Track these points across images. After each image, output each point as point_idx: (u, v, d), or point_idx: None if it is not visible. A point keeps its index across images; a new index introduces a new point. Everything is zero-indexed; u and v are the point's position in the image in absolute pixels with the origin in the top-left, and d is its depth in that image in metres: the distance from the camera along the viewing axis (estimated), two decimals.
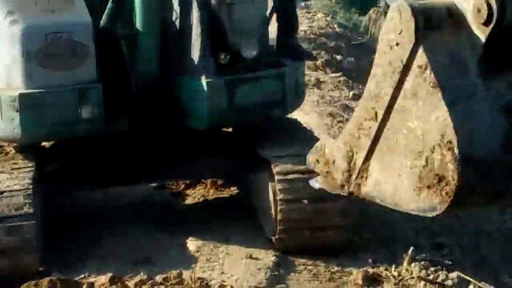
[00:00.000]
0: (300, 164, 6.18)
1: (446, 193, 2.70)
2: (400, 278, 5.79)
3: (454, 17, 2.96)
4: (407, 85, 3.02)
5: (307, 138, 6.84)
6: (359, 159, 3.20)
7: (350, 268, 6.09)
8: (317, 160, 3.44)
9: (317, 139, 6.79)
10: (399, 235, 6.75)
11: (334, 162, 3.35)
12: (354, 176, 3.23)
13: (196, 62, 6.51)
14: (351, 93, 13.53)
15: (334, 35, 20.01)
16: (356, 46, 20.07)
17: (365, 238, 6.68)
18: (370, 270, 5.97)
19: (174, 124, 6.75)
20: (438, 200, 2.73)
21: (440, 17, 2.95)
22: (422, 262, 5.89)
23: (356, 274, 5.91)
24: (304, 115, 11.14)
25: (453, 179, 2.70)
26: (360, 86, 14.61)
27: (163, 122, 6.77)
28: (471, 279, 5.63)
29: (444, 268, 5.79)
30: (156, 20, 6.63)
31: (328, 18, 23.32)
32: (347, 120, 11.34)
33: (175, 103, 6.68)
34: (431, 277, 5.63)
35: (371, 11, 24.66)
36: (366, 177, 3.18)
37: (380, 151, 3.12)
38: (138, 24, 6.56)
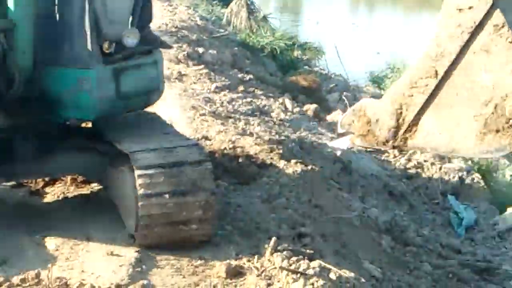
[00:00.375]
0: (160, 158, 6.16)
1: None
2: (262, 269, 5.80)
3: None
4: (478, 42, 3.45)
5: (167, 132, 6.86)
6: (409, 115, 3.65)
7: (213, 261, 6.06)
8: (353, 121, 3.97)
9: (177, 132, 6.81)
10: (262, 226, 6.78)
11: (377, 120, 3.84)
12: (402, 131, 3.77)
13: (79, 52, 6.41)
14: (213, 86, 13.53)
15: (196, 27, 19.98)
16: (218, 38, 20.11)
17: (228, 230, 6.67)
18: (233, 263, 5.96)
19: (48, 118, 6.61)
20: (508, 141, 3.34)
21: None
22: (284, 252, 5.92)
23: (219, 267, 5.90)
24: (166, 108, 11.04)
25: None
26: (223, 78, 14.66)
27: (38, 117, 6.61)
28: (332, 267, 5.71)
29: (305, 257, 5.84)
30: (31, 11, 6.40)
31: (190, 11, 23.29)
32: (209, 112, 11.34)
33: (52, 96, 6.52)
34: (293, 266, 5.67)
35: (232, 4, 24.80)
36: (415, 131, 3.73)
37: (435, 105, 3.61)
38: (13, 16, 6.30)
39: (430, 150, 4.24)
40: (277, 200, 7.64)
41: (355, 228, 8.13)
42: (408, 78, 3.81)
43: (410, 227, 9.73)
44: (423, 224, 10.94)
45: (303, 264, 5.68)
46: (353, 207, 9.39)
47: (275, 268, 5.74)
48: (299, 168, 8.90)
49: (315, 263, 5.68)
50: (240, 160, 8.73)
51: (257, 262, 5.93)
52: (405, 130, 3.82)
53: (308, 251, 6.09)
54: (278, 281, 5.57)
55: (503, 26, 3.47)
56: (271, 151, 9.40)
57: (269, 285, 5.54)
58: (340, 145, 3.83)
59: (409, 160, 14.06)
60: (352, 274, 5.62)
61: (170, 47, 10.78)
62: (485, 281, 9.25)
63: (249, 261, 6.02)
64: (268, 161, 8.94)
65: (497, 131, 3.51)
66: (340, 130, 4.16)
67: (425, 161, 13.88)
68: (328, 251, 6.50)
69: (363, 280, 5.69)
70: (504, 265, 10.28)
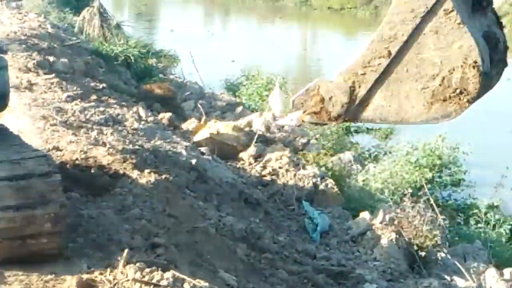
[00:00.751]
0: (6, 170, 5.90)
1: (467, 101, 4.18)
2: (115, 282, 5.64)
3: None
4: (428, 25, 4.26)
5: (14, 143, 6.58)
6: (362, 91, 4.37)
7: (64, 275, 5.83)
8: (305, 101, 4.51)
9: (25, 143, 6.54)
10: (115, 238, 6.60)
11: (331, 98, 4.44)
12: (354, 106, 4.41)
13: None
14: (64, 95, 13.18)
15: (47, 35, 19.45)
16: (70, 46, 19.68)
17: (79, 243, 6.45)
18: (85, 276, 5.76)
19: None
20: (454, 108, 4.22)
21: None
22: (138, 264, 5.78)
23: (70, 281, 5.68)
24: (15, 119, 10.64)
25: (475, 89, 4.14)
26: (75, 87, 14.30)
27: None
28: (186, 277, 5.62)
29: (159, 268, 5.72)
30: None
31: (41, 19, 22.67)
32: (61, 122, 11.01)
33: None
34: (146, 278, 5.54)
35: (84, 11, 24.33)
36: (367, 105, 4.42)
37: (387, 82, 4.35)
38: None
39: (380, 121, 4.67)
40: (130, 210, 7.48)
41: (211, 237, 8.07)
42: (361, 59, 4.41)
43: (266, 234, 9.79)
44: (279, 230, 11.05)
45: (157, 275, 5.55)
46: (209, 216, 9.35)
47: (128, 280, 5.58)
48: (153, 177, 8.77)
49: (169, 274, 5.57)
50: (92, 170, 8.51)
51: (109, 275, 5.75)
52: (357, 105, 4.47)
53: (162, 261, 5.98)
54: None
55: (452, 11, 4.28)
56: (125, 161, 9.23)
57: None
58: (288, 122, 4.15)
59: (264, 167, 14.21)
60: (207, 284, 5.55)
61: (5, 52, 10.39)
62: (339, 285, 9.44)
63: (101, 274, 5.83)
64: (122, 171, 8.76)
65: (444, 100, 4.39)
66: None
67: (280, 167, 14.07)
68: (182, 261, 6.40)
69: None
70: (357, 269, 10.54)
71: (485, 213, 16.80)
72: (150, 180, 8.66)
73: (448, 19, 4.29)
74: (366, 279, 10.04)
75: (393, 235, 12.05)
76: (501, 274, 12.55)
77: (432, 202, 15.05)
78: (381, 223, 12.58)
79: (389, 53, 4.41)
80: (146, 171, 9.09)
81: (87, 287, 5.63)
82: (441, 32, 4.31)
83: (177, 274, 5.64)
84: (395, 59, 4.42)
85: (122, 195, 7.99)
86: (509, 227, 16.99)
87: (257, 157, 15.02)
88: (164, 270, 5.73)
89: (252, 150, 15.17)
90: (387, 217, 12.59)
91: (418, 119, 4.53)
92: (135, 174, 8.75)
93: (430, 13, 4.28)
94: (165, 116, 16.00)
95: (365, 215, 13.11)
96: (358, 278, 9.95)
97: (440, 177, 20.82)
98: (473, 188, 21.14)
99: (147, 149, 10.87)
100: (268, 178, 13.82)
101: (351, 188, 15.96)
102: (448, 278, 11.77)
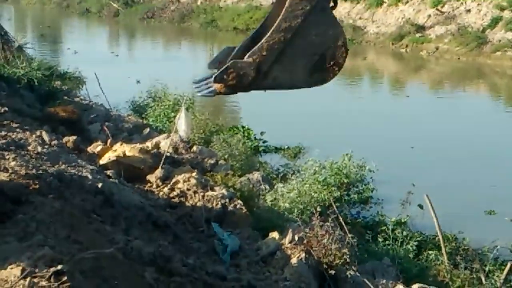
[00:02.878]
0: None
1: (338, 70, 6.46)
2: None
3: None
4: (311, 18, 6.28)
5: None
6: (264, 67, 6.28)
7: None
8: (232, 80, 6.24)
9: None
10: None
11: (243, 73, 6.24)
12: (259, 78, 6.28)
13: None
14: None
15: None
16: None
17: None
18: None
19: None
20: (328, 76, 6.46)
21: None
22: None
23: None
24: None
25: (343, 63, 6.41)
26: None
27: None
28: None
29: None
30: None
31: None
32: None
33: None
34: None
35: None
36: (267, 77, 6.32)
37: (282, 59, 6.28)
38: None
39: (277, 88, 6.57)
40: (33, 238, 7.21)
41: (118, 262, 7.84)
42: (265, 44, 6.28)
43: (175, 257, 9.62)
44: (188, 253, 10.90)
45: None
46: (116, 240, 9.13)
47: None
48: (57, 203, 8.51)
49: None
50: None
51: None
52: (261, 77, 6.31)
53: None
54: None
55: (326, 8, 6.37)
56: (28, 187, 8.94)
57: None
58: (206, 93, 6.76)
59: (172, 189, 14.06)
60: None
61: None
62: None
63: None
64: (24, 197, 8.46)
65: (322, 70, 6.50)
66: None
67: (188, 189, 13.95)
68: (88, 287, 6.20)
69: None
70: None
71: (393, 230, 17.10)
72: (54, 206, 8.39)
73: (324, 14, 6.40)
74: None
75: (303, 255, 12.07)
76: None
77: (341, 220, 15.19)
78: (290, 242, 12.60)
79: (285, 38, 6.32)
80: (50, 196, 8.82)
81: None
82: (320, 22, 6.40)
83: None
84: (289, 43, 6.34)
85: (25, 222, 7.71)
86: (416, 243, 17.34)
87: (165, 179, 14.86)
88: None
89: (159, 172, 14.99)
90: (296, 237, 12.62)
91: (304, 84, 6.64)
92: (38, 199, 8.47)
93: (312, 9, 6.32)
94: (70, 140, 15.66)
95: (274, 235, 13.10)
96: None
97: (348, 195, 21.14)
98: (381, 205, 21.56)
99: (51, 173, 10.57)
100: (176, 200, 13.67)
101: (260, 208, 15.96)
102: None
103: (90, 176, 11.95)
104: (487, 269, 15.96)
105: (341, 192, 20.32)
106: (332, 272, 12.05)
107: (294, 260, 11.98)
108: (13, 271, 6.10)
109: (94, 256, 7.11)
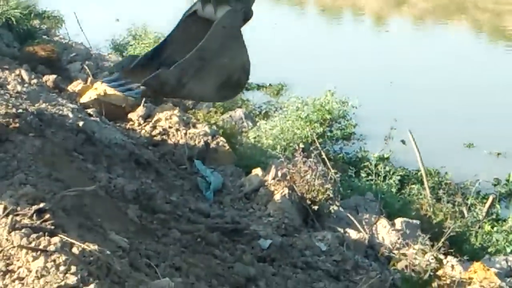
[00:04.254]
0: None
1: (240, 89, 7.86)
2: (0, 249, 5.35)
3: None
4: (226, 45, 7.20)
5: None
6: (184, 80, 7.04)
7: None
8: (156, 86, 7.00)
9: None
10: None
11: (166, 81, 7.00)
12: (178, 88, 7.05)
13: None
14: None
15: None
16: None
17: None
18: None
19: None
20: (231, 95, 7.86)
21: None
22: (23, 230, 5.50)
23: None
24: None
25: (244, 85, 7.74)
26: None
27: None
28: (74, 241, 5.40)
29: (46, 234, 5.46)
30: None
31: None
32: None
33: None
34: (32, 244, 5.27)
35: None
36: (184, 88, 7.08)
37: (197, 76, 7.10)
38: None
39: (189, 98, 8.42)
40: (14, 176, 7.14)
41: (100, 199, 7.83)
42: (184, 63, 7.11)
43: (158, 194, 9.60)
44: (171, 190, 10.89)
45: (44, 241, 5.30)
46: (98, 178, 9.09)
47: (14, 247, 5.30)
48: (38, 141, 8.42)
49: (56, 239, 5.32)
50: None
51: None
52: (180, 87, 7.11)
53: (49, 227, 5.71)
54: (18, 260, 5.15)
55: (239, 38, 7.45)
56: (8, 126, 8.83)
57: (8, 265, 5.10)
58: (133, 94, 7.59)
59: (154, 127, 13.98)
60: (96, 247, 5.33)
61: None
62: (234, 242, 9.38)
63: None
64: (5, 136, 8.37)
65: (227, 89, 7.52)
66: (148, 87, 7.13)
67: (170, 127, 13.87)
68: (71, 226, 6.15)
69: (108, 252, 5.43)
70: (252, 226, 10.52)
71: (376, 165, 17.19)
72: (35, 144, 8.31)
73: (237, 41, 7.39)
74: (260, 235, 10.03)
75: (286, 191, 12.09)
76: (393, 224, 12.85)
77: (323, 156, 15.24)
78: (273, 179, 12.60)
79: (205, 58, 7.21)
80: (31, 135, 8.73)
81: None
82: (233, 48, 7.40)
83: (65, 238, 5.40)
84: (207, 62, 7.23)
85: (6, 161, 7.64)
86: (399, 178, 17.45)
87: (147, 117, 14.75)
88: (51, 235, 5.48)
89: (141, 110, 14.87)
90: (279, 173, 12.62)
91: (212, 99, 8.69)
92: (19, 138, 8.38)
93: (230, 37, 7.35)
94: (49, 78, 15.48)
95: (257, 171, 13.10)
96: (253, 234, 9.93)
97: (331, 131, 21.17)
98: (363, 141, 21.63)
99: (32, 112, 10.43)
100: (158, 138, 13.60)
101: (243, 146, 15.94)
102: (341, 230, 11.94)
103: (71, 115, 11.85)
104: (469, 202, 16.13)
105: (324, 128, 20.33)
106: (315, 207, 12.10)
107: (277, 196, 12.01)
108: None
109: (76, 194, 7.08)
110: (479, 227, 15.09)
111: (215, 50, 7.32)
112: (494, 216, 16.85)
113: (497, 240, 14.81)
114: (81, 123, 11.41)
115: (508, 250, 14.45)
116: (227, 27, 7.40)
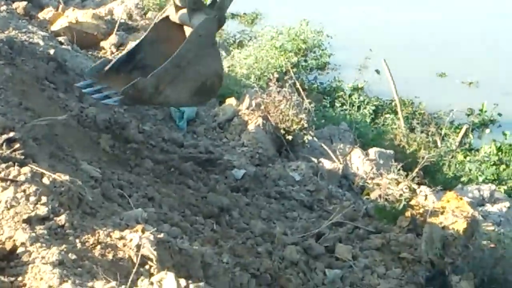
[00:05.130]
0: None
1: (213, 95, 8.96)
2: None
3: None
4: (201, 53, 7.74)
5: None
6: (161, 88, 7.56)
7: None
8: (134, 94, 7.40)
9: None
10: None
11: (144, 89, 7.45)
12: (155, 95, 7.53)
13: None
14: None
15: None
16: None
17: None
18: None
19: None
20: (206, 99, 8.81)
21: None
22: None
23: None
24: None
25: (217, 91, 8.55)
26: None
27: None
28: (45, 171, 5.30)
29: (16, 164, 5.35)
30: None
31: None
32: None
33: None
34: (2, 174, 5.17)
35: None
36: (160, 95, 7.59)
37: (173, 82, 7.60)
38: None
39: (165, 104, 8.61)
40: None
41: (72, 129, 7.72)
42: (162, 71, 7.62)
43: (131, 124, 9.49)
44: (144, 120, 10.78)
45: (14, 171, 5.19)
46: (70, 107, 8.94)
47: None
48: (8, 69, 8.22)
49: (26, 169, 5.22)
50: None
51: None
52: (157, 94, 7.61)
53: (19, 156, 5.60)
54: None
55: (214, 46, 8.31)
56: None
57: None
58: (112, 102, 7.77)
59: None
60: (67, 177, 5.24)
61: None
62: (207, 172, 9.33)
63: None
64: None
65: (201, 94, 8.10)
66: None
67: None
68: (42, 156, 6.04)
69: (79, 182, 5.35)
70: (226, 155, 10.48)
71: (350, 95, 17.15)
72: (4, 72, 8.11)
73: (212, 50, 7.97)
74: (234, 165, 10.01)
75: (260, 121, 12.03)
76: (367, 154, 12.87)
77: (298, 86, 15.13)
78: (247, 108, 12.53)
79: (181, 65, 7.67)
80: (0, 62, 8.52)
81: None
82: (208, 56, 7.84)
83: (36, 168, 5.30)
84: (183, 69, 7.66)
85: None
86: (373, 108, 17.44)
87: (119, 45, 14.53)
88: (21, 165, 5.37)
89: (113, 38, 14.63)
90: (253, 103, 12.54)
91: (187, 104, 8.78)
92: None
93: (206, 46, 7.81)
94: (20, 5, 15.11)
95: (231, 101, 13.00)
96: (226, 164, 9.89)
97: (305, 61, 21.02)
98: (338, 71, 21.50)
99: (1, 40, 10.17)
100: None
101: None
102: (315, 160, 11.95)
103: (41, 43, 11.60)
104: (442, 132, 16.19)
105: (298, 58, 20.18)
106: (290, 137, 12.07)
107: (251, 126, 11.95)
108: None
109: (47, 123, 6.95)
110: (452, 157, 15.17)
111: (191, 58, 7.72)
112: (467, 146, 16.95)
113: (470, 170, 14.93)
114: (52, 51, 11.18)
115: (481, 179, 14.59)
116: (203, 35, 7.74)
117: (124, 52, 8.75)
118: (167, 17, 8.24)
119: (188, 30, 8.06)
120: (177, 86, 7.72)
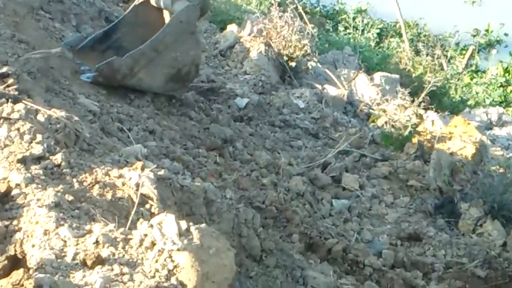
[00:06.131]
0: None
1: (188, 83, 8.18)
2: None
3: None
4: (180, 39, 7.64)
5: None
6: (135, 70, 7.38)
7: None
8: (108, 73, 7.26)
9: None
10: None
11: (119, 69, 7.29)
12: (129, 77, 7.37)
13: None
14: None
15: None
16: None
17: None
18: None
19: None
20: (179, 87, 8.04)
21: None
22: None
23: None
24: None
25: (192, 79, 8.24)
26: None
27: None
28: (40, 108, 5.08)
29: (9, 100, 5.13)
30: None
31: None
32: None
33: None
34: None
35: None
36: (134, 77, 7.42)
37: (148, 66, 7.46)
38: None
39: (137, 87, 7.63)
40: None
41: (69, 61, 7.46)
42: (136, 55, 7.47)
43: None
44: None
45: (7, 108, 4.96)
46: (67, 38, 8.67)
47: None
48: None
49: (20, 106, 4.99)
50: None
51: None
52: (131, 76, 7.43)
53: (12, 92, 5.38)
54: None
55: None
56: None
57: None
58: (85, 78, 7.30)
59: None
60: (63, 113, 5.03)
61: None
62: (210, 101, 9.14)
63: None
64: None
65: (176, 81, 7.90)
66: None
67: None
68: (37, 90, 5.82)
69: (76, 118, 5.14)
70: (228, 84, 10.25)
71: (354, 18, 16.77)
72: None
73: (192, 36, 7.88)
74: (237, 94, 9.79)
75: (262, 47, 11.76)
76: (372, 79, 12.63)
77: (300, 10, 14.77)
78: (249, 35, 12.23)
79: (158, 50, 7.52)
80: None
81: None
82: (186, 42, 7.71)
83: (30, 105, 5.08)
84: (158, 55, 7.49)
85: None
86: (377, 31, 17.08)
87: None
88: (15, 102, 5.15)
89: None
90: (255, 29, 12.23)
91: (159, 90, 7.78)
92: None
93: (185, 31, 7.73)
94: None
95: (232, 27, 12.70)
96: (229, 93, 9.68)
97: None
98: None
99: None
100: None
101: (217, 1, 15.42)
102: (319, 86, 11.71)
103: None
104: (448, 54, 15.89)
105: None
106: (293, 64, 11.82)
107: (253, 53, 11.68)
108: None
109: (42, 56, 6.71)
110: (458, 80, 14.93)
111: (169, 43, 7.61)
112: (473, 68, 16.67)
113: (477, 93, 14.71)
114: None
115: (488, 102, 14.38)
116: (184, 22, 7.66)
117: (100, 31, 8.43)
118: (148, 0, 8.08)
119: (168, 16, 7.95)
120: (152, 70, 7.57)
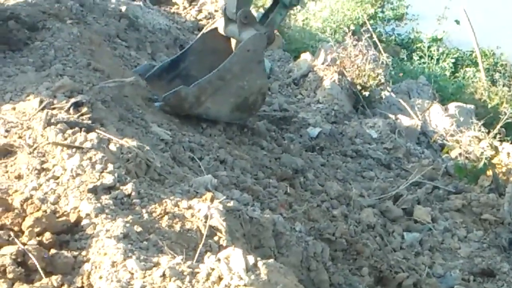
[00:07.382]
0: None
1: (255, 112, 8.08)
2: (35, 145, 5.13)
3: None
4: (246, 67, 7.61)
5: None
6: (202, 99, 7.44)
7: None
8: (175, 102, 7.33)
9: None
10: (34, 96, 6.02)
11: (185, 98, 7.37)
12: (196, 106, 7.42)
13: None
14: None
15: None
16: None
17: None
18: (1, 141, 5.24)
19: None
20: (246, 116, 7.99)
21: None
22: (59, 125, 5.26)
23: None
24: None
25: (259, 108, 8.16)
26: None
27: None
28: (112, 137, 5.13)
29: (82, 129, 5.21)
30: None
31: None
32: None
33: None
34: (68, 140, 5.03)
35: None
36: (201, 106, 7.47)
37: (215, 95, 7.50)
38: None
39: (204, 116, 7.65)
40: (51, 66, 6.85)
41: (142, 89, 7.55)
42: (206, 83, 7.54)
43: None
44: None
45: (80, 137, 5.04)
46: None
47: (49, 143, 5.07)
48: (76, 29, 8.07)
49: (93, 135, 5.05)
50: (9, 24, 7.77)
51: (29, 138, 5.24)
52: (198, 105, 7.49)
53: (86, 121, 5.45)
54: (53, 158, 4.91)
55: (260, 62, 7.95)
56: (45, 12, 8.48)
57: (42, 162, 4.87)
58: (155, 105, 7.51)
59: (199, 11, 13.57)
60: (135, 143, 5.07)
61: None
62: (282, 130, 9.12)
63: (20, 137, 5.31)
64: (41, 24, 8.04)
65: (242, 110, 7.85)
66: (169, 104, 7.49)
67: (216, 10, 13.44)
68: (110, 119, 5.88)
69: (147, 147, 5.17)
70: (300, 113, 10.22)
71: (429, 47, 16.57)
72: (73, 32, 7.96)
73: (259, 65, 7.75)
74: (309, 123, 9.75)
75: (336, 76, 11.71)
76: (446, 110, 12.42)
77: (375, 38, 14.69)
78: (323, 63, 12.20)
79: (225, 79, 7.54)
80: (69, 22, 8.39)
81: (4, 152, 5.13)
82: (253, 71, 7.69)
83: (102, 134, 5.14)
84: (225, 84, 7.55)
85: (43, 49, 7.33)
86: (453, 60, 16.83)
87: (192, 0, 14.30)
88: (88, 131, 5.23)
89: None
90: (329, 57, 12.20)
91: (226, 119, 7.79)
92: (56, 25, 8.04)
93: (252, 60, 7.66)
94: None
95: (306, 56, 12.69)
96: (301, 122, 9.65)
97: (382, 12, 20.43)
98: (416, 21, 20.83)
99: None
100: (204, 22, 13.19)
101: (291, 29, 15.46)
102: (392, 116, 11.57)
103: None
104: None
105: (375, 9, 19.62)
106: (366, 93, 11.72)
107: (326, 82, 11.63)
108: (31, 103, 5.80)
109: (116, 85, 6.80)
110: None
111: (236, 72, 7.60)
112: None
113: None
114: (123, 8, 11.04)
115: None
116: (251, 51, 7.61)
117: (167, 59, 8.54)
118: (216, 28, 8.10)
119: (235, 44, 7.97)
120: (218, 99, 7.58)
